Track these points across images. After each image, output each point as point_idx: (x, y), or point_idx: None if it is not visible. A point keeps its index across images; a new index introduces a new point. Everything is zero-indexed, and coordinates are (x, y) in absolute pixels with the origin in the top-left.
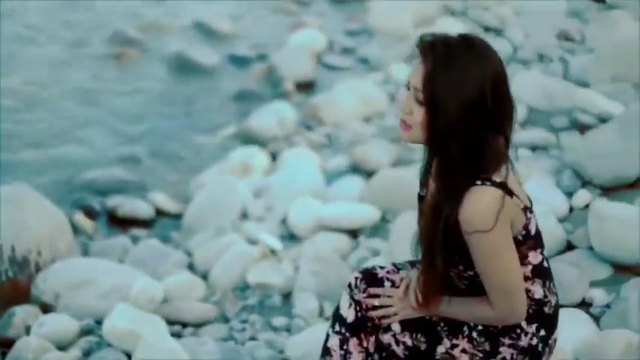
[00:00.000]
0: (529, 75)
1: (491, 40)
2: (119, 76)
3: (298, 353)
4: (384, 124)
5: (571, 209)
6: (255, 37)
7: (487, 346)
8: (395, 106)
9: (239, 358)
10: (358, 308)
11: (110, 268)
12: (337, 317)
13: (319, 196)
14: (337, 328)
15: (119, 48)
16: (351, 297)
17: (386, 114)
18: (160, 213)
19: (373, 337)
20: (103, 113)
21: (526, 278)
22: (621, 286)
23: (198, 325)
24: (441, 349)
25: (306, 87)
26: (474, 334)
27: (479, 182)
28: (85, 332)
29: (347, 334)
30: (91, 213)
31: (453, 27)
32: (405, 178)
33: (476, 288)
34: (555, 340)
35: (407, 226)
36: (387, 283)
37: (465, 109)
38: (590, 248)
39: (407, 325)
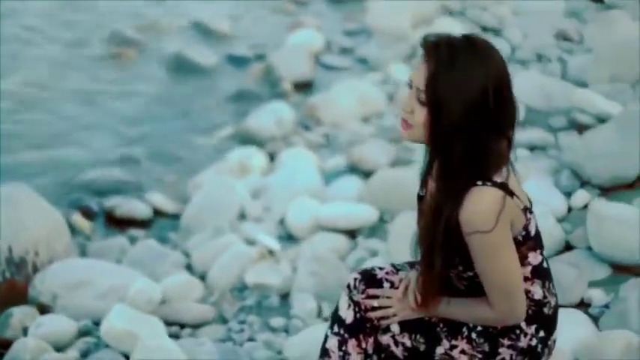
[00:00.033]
0: (527, 75)
1: (489, 40)
2: (117, 77)
3: (296, 354)
4: (382, 124)
5: (569, 209)
6: (254, 37)
7: (486, 347)
8: (394, 105)
9: (237, 359)
10: (357, 309)
11: (108, 269)
12: (336, 318)
13: (317, 196)
14: (336, 329)
15: (117, 48)
16: (350, 298)
17: (384, 114)
18: (157, 213)
19: (372, 338)
20: (100, 114)
21: (526, 279)
22: (620, 286)
23: (196, 326)
24: (440, 350)
25: (304, 87)
26: (473, 335)
27: (479, 183)
28: (83, 333)
29: (346, 335)
30: (88, 213)
31: (451, 27)
32: (404, 179)
33: (475, 289)
34: (554, 341)
35: (405, 226)
36: (386, 284)
37: (468, 110)
38: (589, 248)
39: (406, 326)
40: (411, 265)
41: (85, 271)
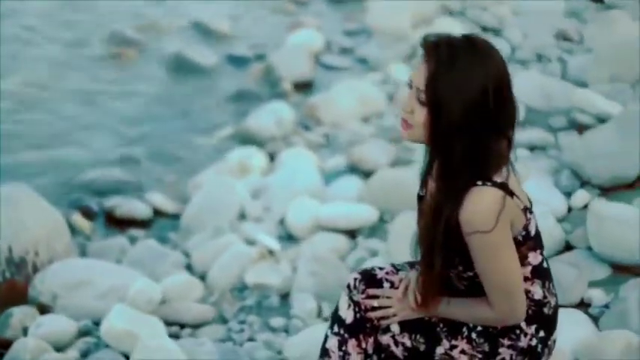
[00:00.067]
0: (527, 75)
1: (489, 40)
2: (117, 77)
3: (296, 354)
4: (382, 124)
5: (569, 209)
6: (254, 37)
7: (486, 347)
8: (394, 105)
9: (237, 359)
10: (357, 309)
11: (108, 269)
12: (336, 318)
13: (317, 196)
14: (336, 329)
15: (117, 48)
16: (350, 298)
17: (384, 114)
18: (157, 213)
19: (372, 338)
20: (100, 114)
21: (526, 279)
22: (620, 286)
23: (196, 326)
24: (440, 350)
25: (304, 87)
26: (473, 335)
27: (479, 183)
28: (83, 333)
29: (346, 335)
30: (88, 213)
31: (451, 27)
32: (404, 178)
33: (475, 289)
34: (555, 341)
35: (405, 226)
36: (386, 284)
37: (468, 110)
38: (589, 248)
39: (406, 326)
40: (411, 265)
41: (85, 271)
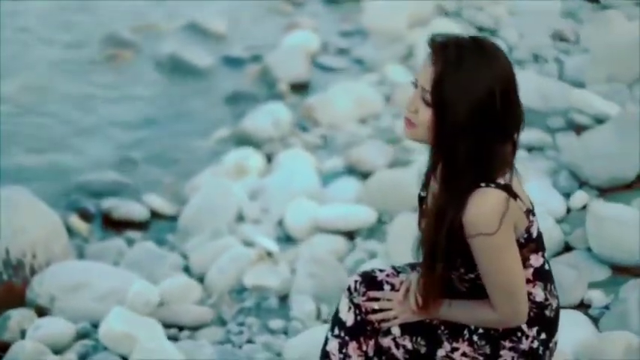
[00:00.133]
0: (524, 75)
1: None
2: (113, 78)
3: (296, 356)
4: (379, 125)
5: (568, 210)
6: (249, 38)
7: (488, 350)
8: (391, 106)
9: None
10: (358, 312)
11: (106, 271)
12: (336, 321)
13: (315, 197)
14: (336, 331)
15: (114, 50)
16: (351, 300)
17: (381, 115)
18: (155, 215)
19: (373, 340)
20: (97, 116)
21: (527, 281)
22: (620, 287)
23: (194, 328)
24: (441, 353)
25: (301, 88)
26: (475, 338)
27: (483, 184)
28: (81, 336)
29: (346, 338)
30: (85, 215)
31: (447, 28)
32: (402, 180)
33: (477, 291)
34: (556, 344)
35: (404, 227)
36: (387, 287)
37: (474, 111)
38: (588, 249)
39: (407, 328)
40: (412, 267)
41: (82, 274)
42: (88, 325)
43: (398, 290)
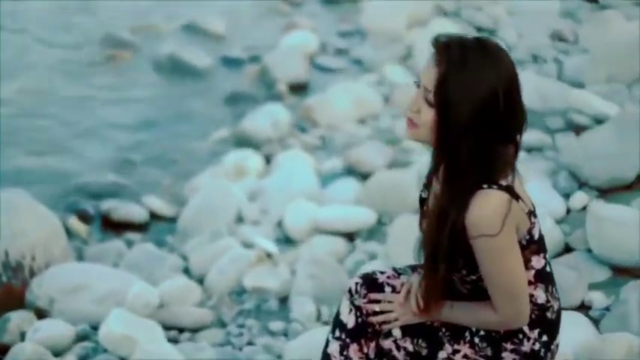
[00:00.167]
0: (523, 76)
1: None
2: (112, 80)
3: (296, 358)
4: (378, 126)
5: (568, 211)
6: (248, 39)
7: (489, 352)
8: (390, 106)
9: None
10: (358, 314)
11: (105, 273)
12: (337, 323)
13: (314, 198)
14: (337, 333)
15: (112, 50)
16: (352, 302)
17: (380, 115)
18: (154, 217)
19: (374, 342)
20: (96, 118)
21: (529, 283)
22: (620, 288)
23: (194, 330)
24: (442, 355)
25: (300, 89)
26: (476, 340)
27: (485, 186)
28: (81, 338)
29: (347, 340)
30: (85, 217)
31: (446, 28)
32: (401, 180)
33: (478, 292)
34: (557, 346)
35: (404, 229)
36: (388, 289)
37: (477, 111)
38: (589, 250)
39: (408, 330)
40: (413, 268)
41: (82, 275)
42: (87, 327)
43: (399, 292)
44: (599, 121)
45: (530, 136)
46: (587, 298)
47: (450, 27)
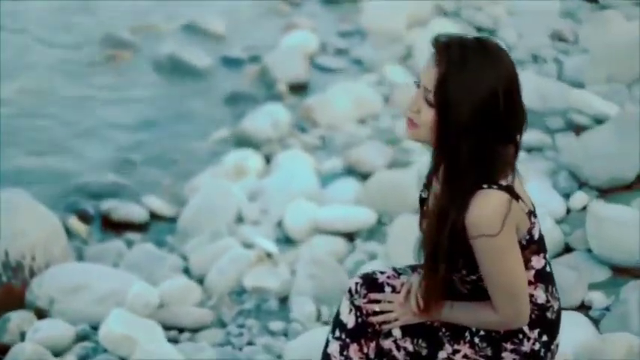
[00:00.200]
0: (523, 76)
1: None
2: (112, 80)
3: (296, 358)
4: (378, 126)
5: (568, 211)
6: (248, 39)
7: (489, 352)
8: (390, 106)
9: None
10: (358, 314)
11: (105, 273)
12: (337, 323)
13: (314, 198)
14: (337, 333)
15: (112, 50)
16: (352, 302)
17: (380, 115)
18: (154, 217)
19: (374, 342)
20: (96, 117)
21: (529, 283)
22: (620, 288)
23: (194, 330)
24: (442, 355)
25: (300, 89)
26: (476, 340)
27: (485, 186)
28: (81, 338)
29: (347, 340)
30: (85, 217)
31: (446, 28)
32: (401, 180)
33: (478, 292)
34: (557, 346)
35: (404, 229)
36: (388, 289)
37: (477, 111)
38: (589, 250)
39: (408, 330)
40: (413, 268)
41: (82, 275)
42: (87, 327)
43: (399, 292)
44: (599, 121)
45: (530, 136)
46: (587, 298)
47: (450, 27)
